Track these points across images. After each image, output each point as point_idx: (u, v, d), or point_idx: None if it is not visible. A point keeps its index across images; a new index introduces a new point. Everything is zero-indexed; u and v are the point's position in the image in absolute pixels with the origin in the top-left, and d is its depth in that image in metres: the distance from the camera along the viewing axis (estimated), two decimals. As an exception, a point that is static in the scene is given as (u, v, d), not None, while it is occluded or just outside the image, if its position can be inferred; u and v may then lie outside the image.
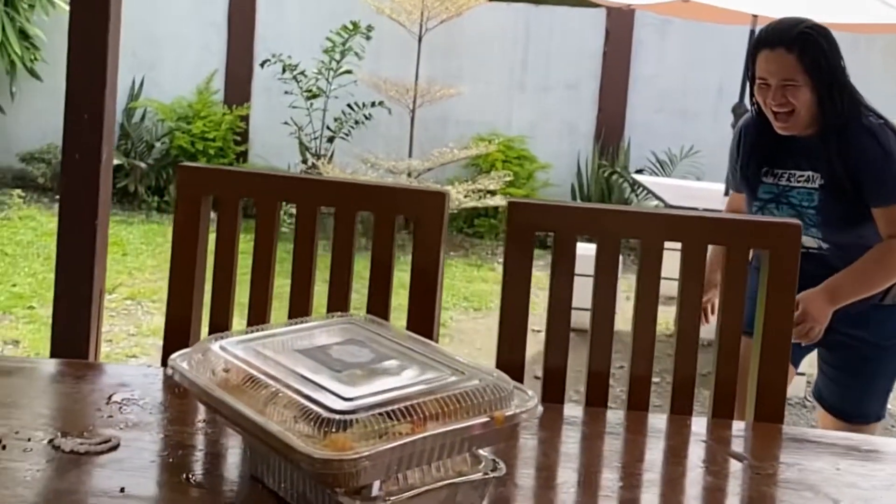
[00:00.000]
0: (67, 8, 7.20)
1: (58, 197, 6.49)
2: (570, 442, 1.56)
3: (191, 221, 1.81)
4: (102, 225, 2.84)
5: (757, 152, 2.49)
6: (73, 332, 2.76)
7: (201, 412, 1.49)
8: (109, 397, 1.50)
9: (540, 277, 1.72)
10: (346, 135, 7.00)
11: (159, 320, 4.60)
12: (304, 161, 6.84)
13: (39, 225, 6.06)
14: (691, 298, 1.64)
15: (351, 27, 6.96)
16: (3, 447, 1.32)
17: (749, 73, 2.44)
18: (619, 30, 7.25)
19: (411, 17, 6.91)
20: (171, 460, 1.33)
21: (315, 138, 6.97)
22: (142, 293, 4.92)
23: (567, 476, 1.43)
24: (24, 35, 7.01)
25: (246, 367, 1.27)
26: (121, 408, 1.47)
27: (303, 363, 1.27)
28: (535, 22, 7.30)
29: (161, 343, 4.28)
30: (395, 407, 1.15)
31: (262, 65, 7.22)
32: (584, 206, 1.73)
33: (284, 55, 7.06)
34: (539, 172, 7.16)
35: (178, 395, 1.55)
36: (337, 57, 6.98)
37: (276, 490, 1.25)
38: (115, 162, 6.66)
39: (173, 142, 7.11)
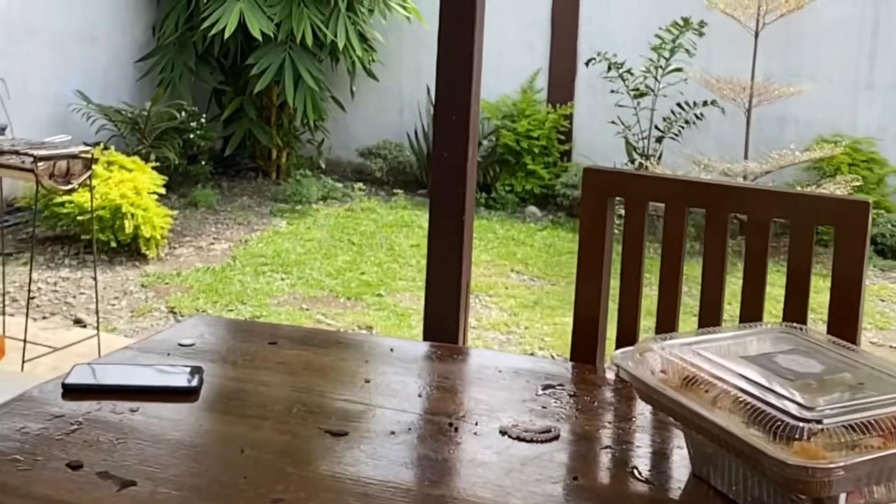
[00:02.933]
0: (403, 12, 7.62)
1: (394, 190, 6.98)
2: None
3: (597, 224, 1.90)
4: (468, 220, 3.04)
5: None
6: (443, 321, 2.97)
7: (634, 408, 1.57)
8: (538, 389, 1.61)
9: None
10: (676, 135, 6.96)
11: (497, 314, 4.83)
12: (632, 161, 6.87)
13: (380, 217, 6.52)
14: None
15: (682, 23, 6.91)
16: (456, 430, 1.46)
17: None
18: (984, 20, 6.71)
19: (747, 12, 6.75)
20: (614, 454, 1.42)
21: (643, 138, 6.98)
22: (479, 287, 5.17)
23: None
24: (362, 38, 7.53)
25: (688, 367, 1.33)
26: (553, 400, 1.58)
27: (749, 369, 1.31)
28: (884, 13, 6.90)
29: (500, 336, 4.48)
30: (864, 419, 1.17)
31: (586, 63, 7.32)
32: None
33: (609, 53, 7.12)
34: (891, 177, 6.76)
35: (602, 389, 1.65)
36: (666, 54, 6.95)
37: (724, 492, 1.30)
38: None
39: (499, 140, 7.38)
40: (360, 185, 7.15)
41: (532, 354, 4.25)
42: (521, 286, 5.25)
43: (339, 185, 7.24)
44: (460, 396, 1.61)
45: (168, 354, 1.70)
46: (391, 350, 1.79)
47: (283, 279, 5.17)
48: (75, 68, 6.93)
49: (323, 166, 7.65)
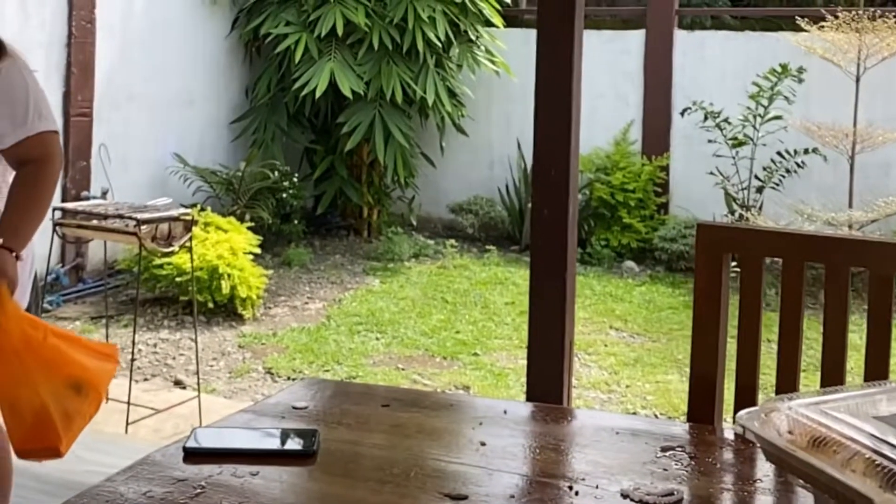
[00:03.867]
0: (491, 66, 7.66)
1: (487, 247, 7.01)
2: None
3: (712, 280, 1.90)
4: (570, 278, 3.04)
5: None
6: (547, 381, 2.97)
7: (757, 470, 1.55)
8: (658, 450, 1.61)
9: None
10: (777, 184, 6.88)
11: (597, 373, 4.80)
12: (732, 212, 6.80)
13: (473, 274, 6.55)
14: None
15: (780, 70, 6.86)
16: (576, 493, 1.46)
17: None
18: None
19: (847, 57, 6.67)
20: (741, 518, 1.41)
21: (743, 188, 6.91)
22: (577, 345, 5.15)
23: None
24: (451, 93, 7.64)
25: (817, 428, 1.31)
26: (673, 462, 1.57)
27: (883, 430, 1.29)
28: None
29: (601, 395, 4.45)
30: None
31: (681, 113, 7.31)
32: None
33: (705, 102, 7.10)
34: None
35: (722, 450, 1.64)
36: (764, 102, 6.90)
37: (861, 559, 1.28)
38: (538, 213, 7.04)
39: (593, 193, 7.38)
40: (452, 241, 7.21)
41: (634, 414, 4.21)
42: (621, 343, 5.22)
43: (431, 241, 7.32)
44: (578, 458, 1.61)
45: (283, 417, 1.74)
46: (504, 412, 1.80)
47: (377, 338, 5.23)
48: (172, 132, 7.17)
49: (414, 223, 7.75)
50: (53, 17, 6.22)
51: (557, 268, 3.02)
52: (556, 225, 3.03)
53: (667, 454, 1.59)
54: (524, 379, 4.55)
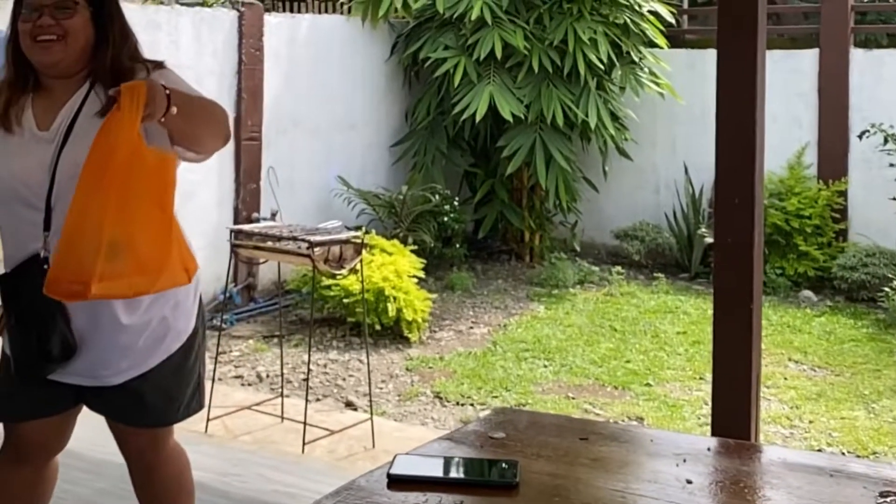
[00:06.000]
0: (656, 88, 7.52)
1: (654, 274, 6.91)
2: None
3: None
4: (756, 308, 2.97)
5: None
6: (733, 415, 2.91)
7: None
8: (877, 496, 1.55)
9: None
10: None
11: (777, 407, 4.67)
12: (919, 242, 6.53)
13: (641, 302, 6.47)
14: None
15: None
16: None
17: None
18: None
19: None
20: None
21: (929, 215, 6.63)
22: (764, 376, 5.03)
23: None
24: (614, 116, 7.58)
25: None
26: (897, 508, 1.51)
27: None
28: None
29: (782, 430, 4.31)
30: None
31: (860, 136, 7.05)
32: None
33: (885, 124, 6.84)
34: None
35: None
36: (952, 123, 6.61)
37: None
38: (707, 240, 6.90)
39: (767, 219, 7.18)
40: (618, 268, 7.11)
41: (819, 451, 4.07)
42: (802, 376, 5.06)
43: (596, 268, 7.26)
44: (793, 501, 1.57)
45: (480, 447, 1.76)
46: (708, 449, 1.78)
47: (545, 366, 5.22)
48: (336, 155, 7.37)
49: (577, 249, 7.70)
50: (225, 46, 6.50)
51: (742, 298, 2.96)
52: (740, 254, 2.97)
53: (888, 500, 1.54)
54: (700, 411, 4.49)
